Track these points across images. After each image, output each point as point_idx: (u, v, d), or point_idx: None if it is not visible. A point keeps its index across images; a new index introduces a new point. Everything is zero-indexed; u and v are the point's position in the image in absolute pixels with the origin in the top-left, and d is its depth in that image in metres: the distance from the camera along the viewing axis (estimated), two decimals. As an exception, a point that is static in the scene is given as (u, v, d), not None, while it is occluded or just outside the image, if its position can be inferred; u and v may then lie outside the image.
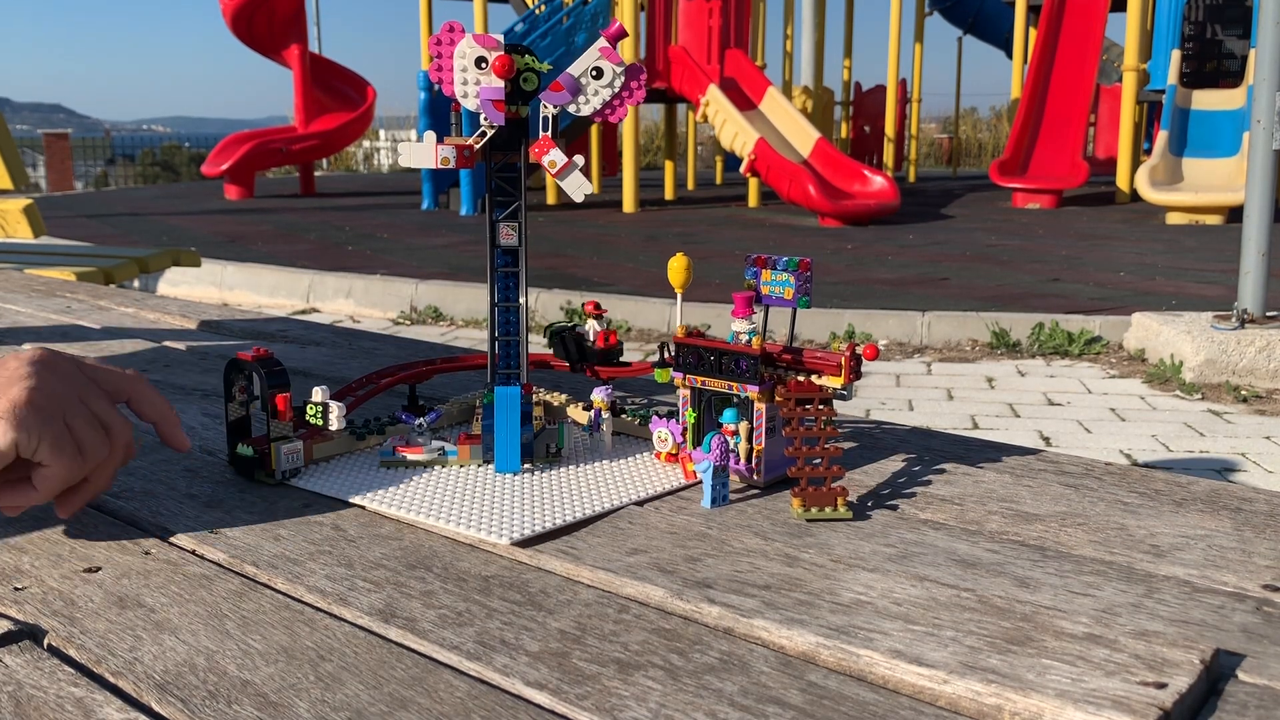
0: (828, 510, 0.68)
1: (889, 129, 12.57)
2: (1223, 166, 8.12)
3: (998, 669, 0.48)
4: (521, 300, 0.80)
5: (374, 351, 1.25)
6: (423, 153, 0.76)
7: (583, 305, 0.93)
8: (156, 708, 0.47)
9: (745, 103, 8.66)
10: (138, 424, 0.82)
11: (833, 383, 0.73)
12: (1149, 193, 7.92)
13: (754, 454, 0.75)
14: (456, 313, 5.16)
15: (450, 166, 0.76)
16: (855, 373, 0.73)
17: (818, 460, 0.70)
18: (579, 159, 0.77)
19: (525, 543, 0.65)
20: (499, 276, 0.80)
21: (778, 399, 0.73)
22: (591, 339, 0.91)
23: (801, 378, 0.74)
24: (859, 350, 0.73)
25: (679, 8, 9.07)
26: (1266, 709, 0.46)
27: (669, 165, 10.27)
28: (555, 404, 0.91)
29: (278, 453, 0.76)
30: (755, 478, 0.75)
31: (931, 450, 0.85)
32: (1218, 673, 0.49)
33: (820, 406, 0.72)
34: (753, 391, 0.74)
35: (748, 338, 0.75)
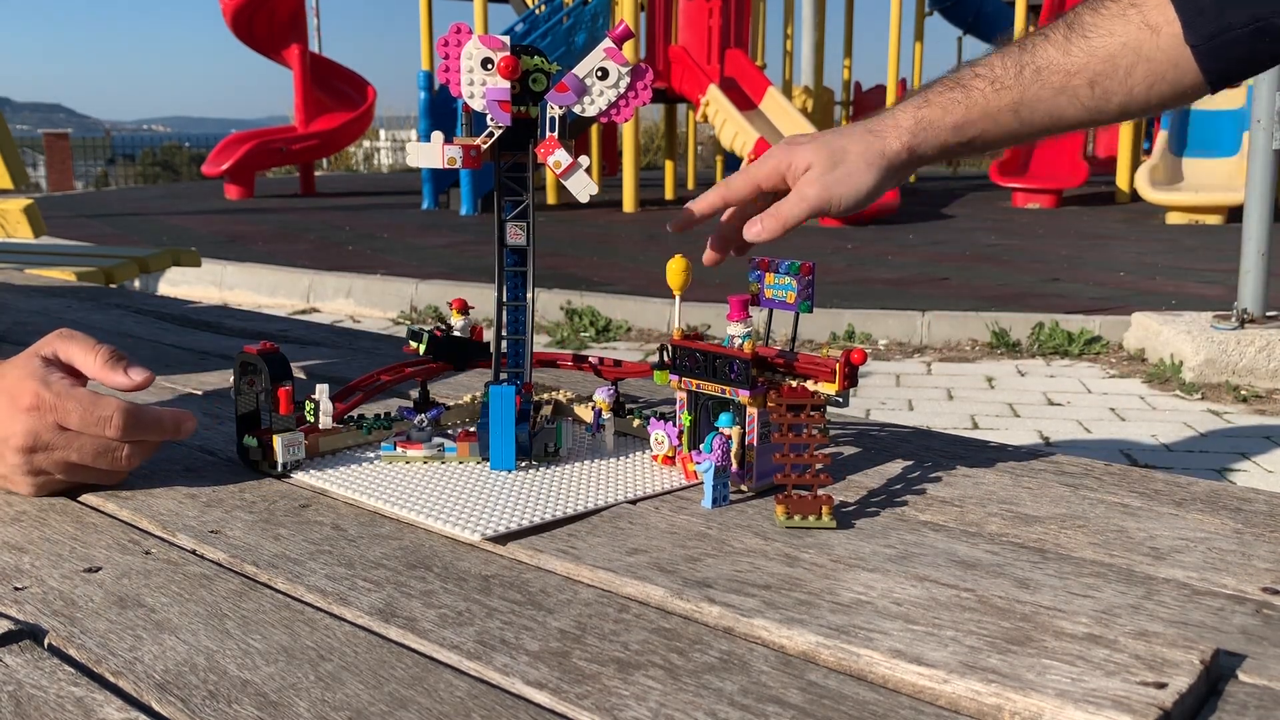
0: (810, 519, 0.67)
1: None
2: (1223, 166, 8.12)
3: (998, 669, 0.48)
4: (529, 298, 0.81)
5: (374, 351, 1.26)
6: (430, 153, 0.76)
7: None
8: (156, 707, 0.47)
9: (745, 103, 8.66)
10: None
11: (827, 389, 0.72)
12: (1149, 192, 7.92)
13: (745, 459, 0.74)
14: (456, 312, 5.15)
15: (457, 167, 0.76)
16: (850, 379, 0.73)
17: (805, 468, 0.69)
18: (584, 159, 0.77)
19: (500, 539, 0.65)
20: (507, 275, 0.80)
21: (769, 404, 0.72)
22: None
23: (795, 383, 0.73)
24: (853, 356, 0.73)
25: (679, 8, 9.07)
26: (1266, 709, 0.46)
27: (669, 165, 10.26)
28: (565, 401, 0.91)
29: (279, 445, 0.76)
30: (744, 486, 0.74)
31: (932, 451, 0.85)
32: (1217, 673, 0.49)
33: (812, 413, 0.71)
34: (744, 396, 0.73)
35: (741, 341, 0.74)
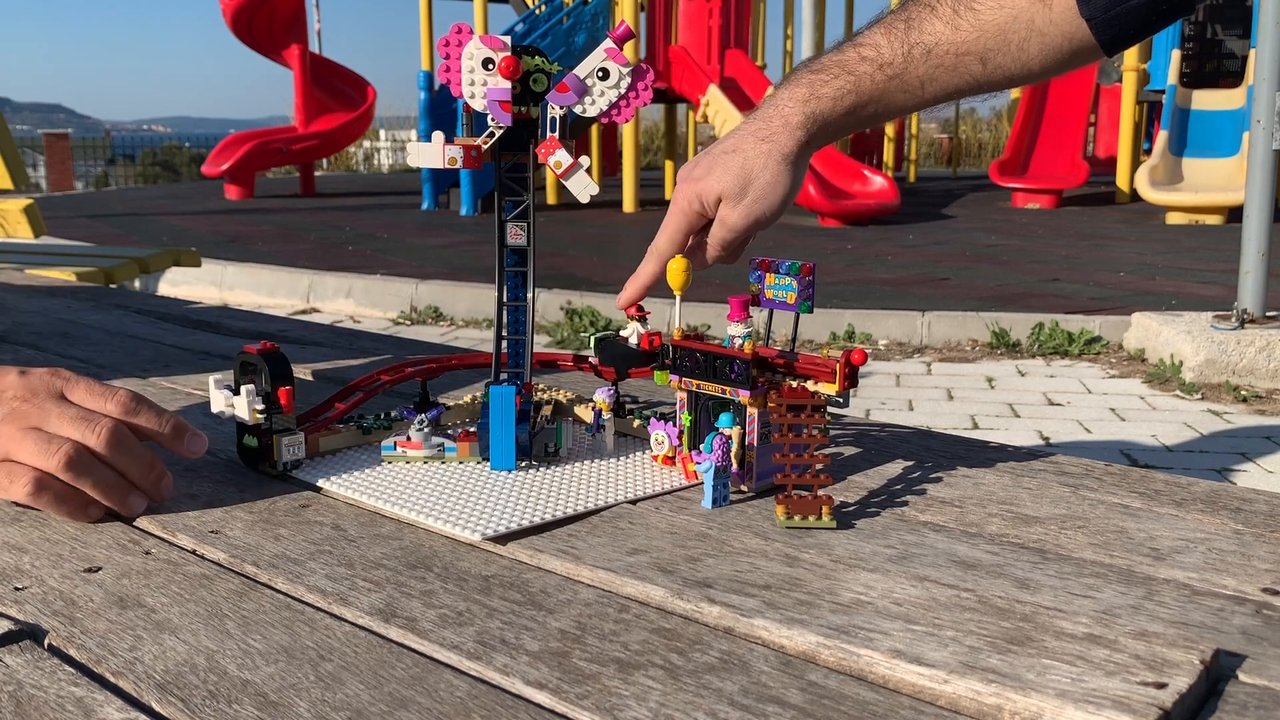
0: (811, 519, 0.67)
1: (889, 129, 12.57)
2: (1223, 166, 8.12)
3: (998, 669, 0.48)
4: (529, 298, 0.81)
5: (374, 352, 1.26)
6: (430, 153, 0.76)
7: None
8: (157, 707, 0.47)
9: (745, 103, 8.65)
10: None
11: (827, 389, 0.72)
12: (1149, 193, 7.92)
13: (745, 460, 0.74)
14: (457, 313, 5.16)
15: (458, 167, 0.76)
16: (851, 380, 0.72)
17: (805, 468, 0.69)
18: (585, 159, 0.77)
19: (500, 539, 0.65)
20: (508, 276, 0.80)
21: (770, 405, 0.72)
22: (635, 342, 0.84)
23: (795, 383, 0.73)
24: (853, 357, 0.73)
25: (679, 8, 9.07)
26: (1266, 709, 0.46)
27: (669, 165, 10.26)
28: (565, 401, 0.91)
29: (279, 445, 0.76)
30: (744, 487, 0.74)
31: (931, 451, 0.85)
32: (1218, 673, 0.49)
33: (812, 413, 0.71)
34: (744, 396, 0.73)
35: (741, 341, 0.74)
